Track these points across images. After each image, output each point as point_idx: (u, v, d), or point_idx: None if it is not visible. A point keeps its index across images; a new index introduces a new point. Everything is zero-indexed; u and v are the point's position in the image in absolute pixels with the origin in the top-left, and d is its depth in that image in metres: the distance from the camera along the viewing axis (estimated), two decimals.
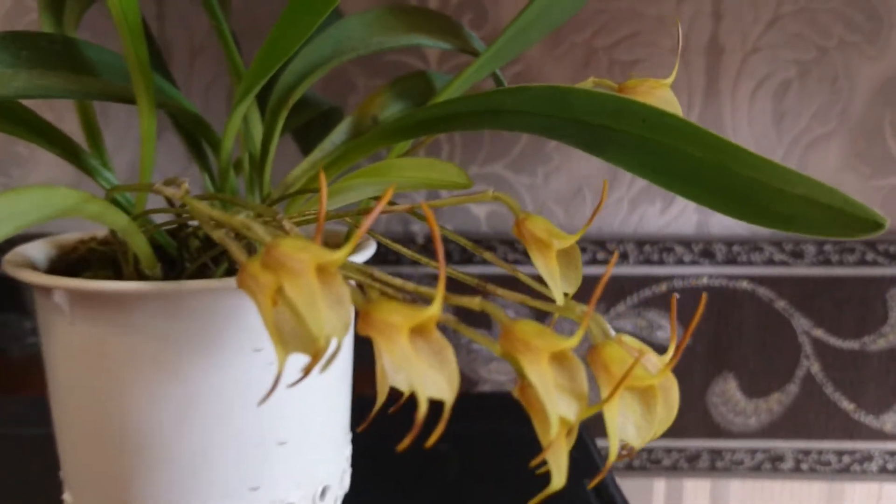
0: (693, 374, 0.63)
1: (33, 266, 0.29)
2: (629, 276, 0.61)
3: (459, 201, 0.20)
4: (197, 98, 0.58)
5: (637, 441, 0.17)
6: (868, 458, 0.64)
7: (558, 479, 0.16)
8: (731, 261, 0.61)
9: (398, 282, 0.17)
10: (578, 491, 0.41)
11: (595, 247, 0.61)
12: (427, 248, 0.60)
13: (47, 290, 0.26)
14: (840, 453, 0.64)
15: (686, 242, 0.61)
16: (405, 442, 0.14)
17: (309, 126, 0.37)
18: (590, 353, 0.17)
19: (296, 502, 0.29)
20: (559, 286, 0.19)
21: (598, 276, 0.61)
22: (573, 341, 0.15)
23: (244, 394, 0.27)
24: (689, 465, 0.65)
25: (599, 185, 0.61)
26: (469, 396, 0.56)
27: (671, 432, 0.64)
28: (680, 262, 0.61)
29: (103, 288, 0.24)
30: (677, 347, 0.17)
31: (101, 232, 0.33)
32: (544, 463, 0.17)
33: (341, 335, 0.15)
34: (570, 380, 0.16)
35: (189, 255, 0.28)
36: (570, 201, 0.61)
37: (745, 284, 0.62)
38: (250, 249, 0.29)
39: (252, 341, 0.26)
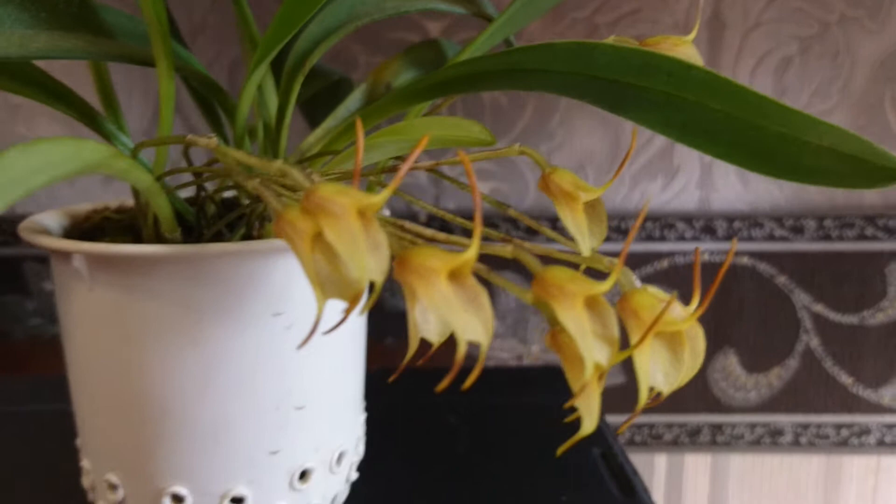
0: None
1: (49, 234, 0.29)
2: (631, 252, 0.61)
3: (486, 156, 0.20)
4: None
5: (665, 387, 0.17)
6: (866, 431, 0.65)
7: (589, 423, 0.17)
8: (732, 236, 0.62)
9: (429, 232, 0.18)
10: (588, 459, 0.41)
11: None
12: (429, 227, 0.60)
13: (66, 256, 0.26)
14: (838, 427, 0.65)
15: (687, 219, 0.61)
16: (445, 382, 0.14)
17: (316, 98, 0.37)
18: (620, 301, 0.18)
19: (314, 467, 0.30)
20: (587, 238, 0.19)
21: (601, 253, 0.61)
22: (607, 285, 0.16)
23: (264, 358, 0.27)
24: (690, 439, 0.65)
25: (601, 162, 0.61)
26: (468, 369, 0.57)
27: (672, 407, 0.65)
28: (681, 238, 0.62)
29: (125, 251, 0.24)
30: (704, 296, 0.17)
31: (114, 202, 0.33)
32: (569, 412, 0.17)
33: (379, 279, 0.15)
34: (602, 325, 0.16)
35: (206, 221, 0.28)
36: None
37: (745, 260, 0.62)
38: (263, 218, 0.29)
39: (271, 305, 0.26)
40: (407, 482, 0.39)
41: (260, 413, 0.27)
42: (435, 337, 0.17)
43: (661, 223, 0.61)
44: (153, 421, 0.27)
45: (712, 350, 0.64)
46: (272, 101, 0.29)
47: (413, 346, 0.17)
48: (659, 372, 0.17)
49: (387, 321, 0.61)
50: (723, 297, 0.63)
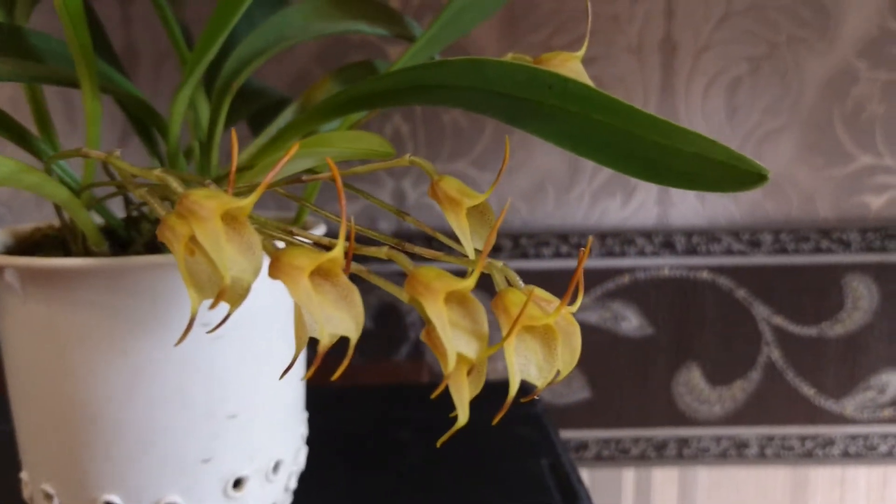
0: (657, 364, 0.64)
1: None
2: (592, 268, 0.63)
3: (376, 168, 0.21)
4: (164, 102, 0.59)
5: (539, 380, 0.18)
6: (830, 442, 0.66)
7: (462, 416, 0.18)
8: (691, 251, 0.63)
9: (315, 236, 0.19)
10: (535, 469, 0.42)
11: (558, 240, 0.62)
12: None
13: None
14: (803, 438, 0.66)
15: (647, 234, 0.62)
16: (310, 372, 0.15)
17: (263, 114, 0.39)
18: (494, 299, 0.19)
19: (248, 475, 0.30)
20: (469, 241, 0.20)
21: (562, 270, 0.62)
22: (468, 282, 0.17)
23: (193, 368, 0.28)
24: (657, 453, 0.66)
25: (561, 180, 0.63)
26: (432, 386, 0.57)
27: (638, 422, 0.65)
28: (641, 253, 0.63)
29: (50, 265, 0.25)
30: (568, 288, 0.18)
31: (59, 220, 0.34)
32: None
33: (251, 278, 0.16)
34: (471, 321, 0.17)
35: (139, 235, 0.29)
36: (533, 196, 0.63)
37: (705, 275, 0.63)
38: None
39: (200, 316, 0.27)
40: (353, 494, 0.39)
41: (190, 421, 0.28)
42: (323, 336, 0.18)
43: (620, 239, 0.63)
44: (84, 430, 0.28)
45: (675, 364, 0.64)
46: (206, 121, 0.31)
47: (300, 345, 0.18)
48: (532, 366, 0.18)
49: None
50: (684, 312, 0.64)
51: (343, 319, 0.16)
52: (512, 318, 0.18)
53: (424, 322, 0.18)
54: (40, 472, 0.30)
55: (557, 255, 0.63)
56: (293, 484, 0.34)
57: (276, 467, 0.32)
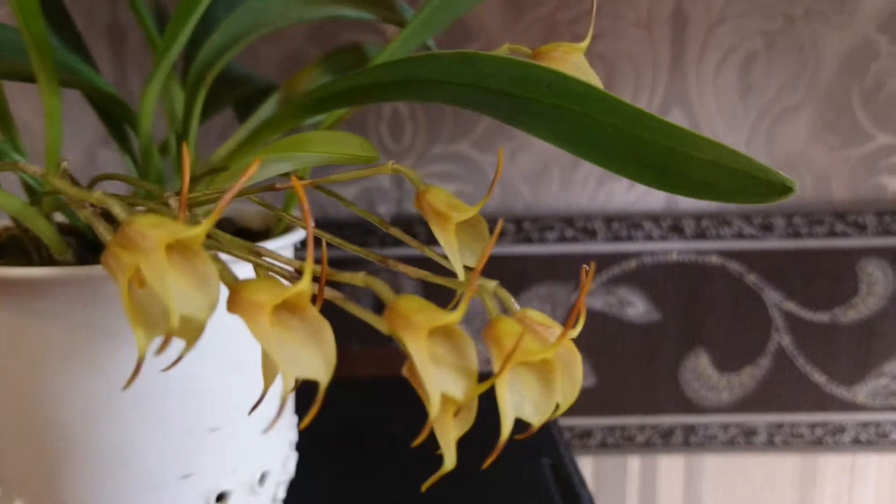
0: (665, 350, 0.63)
1: None
2: (598, 253, 0.61)
3: (358, 175, 0.19)
4: None
5: (535, 418, 0.16)
6: (840, 429, 0.64)
7: (449, 460, 0.16)
8: (701, 235, 0.61)
9: (285, 259, 0.17)
10: (537, 469, 0.40)
11: (563, 224, 0.60)
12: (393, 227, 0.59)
13: None
14: (812, 426, 0.64)
15: (654, 218, 0.60)
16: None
17: (251, 101, 0.36)
18: (485, 328, 0.17)
19: (232, 489, 0.29)
20: (458, 260, 0.18)
21: (567, 254, 0.60)
22: (455, 316, 0.15)
23: (170, 380, 0.26)
24: (663, 441, 0.65)
25: (566, 162, 0.60)
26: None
27: (645, 409, 0.64)
28: (649, 237, 0.61)
29: (9, 275, 0.23)
30: (568, 320, 0.16)
31: None
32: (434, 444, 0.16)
33: (205, 315, 0.14)
34: (458, 356, 0.15)
35: None
36: (538, 179, 0.61)
37: (714, 259, 0.61)
38: None
39: None
40: (347, 495, 0.38)
41: (167, 436, 0.27)
42: (287, 381, 0.16)
43: (627, 223, 0.60)
44: (55, 446, 0.26)
45: (683, 350, 0.63)
46: (181, 113, 0.28)
47: (268, 382, 0.16)
48: (527, 403, 0.16)
49: (350, 325, 0.60)
50: (692, 298, 0.62)
51: (311, 360, 0.14)
52: (505, 351, 0.16)
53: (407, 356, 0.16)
54: (12, 487, 0.28)
55: (562, 239, 0.61)
56: (281, 494, 0.32)
57: (262, 479, 0.30)
